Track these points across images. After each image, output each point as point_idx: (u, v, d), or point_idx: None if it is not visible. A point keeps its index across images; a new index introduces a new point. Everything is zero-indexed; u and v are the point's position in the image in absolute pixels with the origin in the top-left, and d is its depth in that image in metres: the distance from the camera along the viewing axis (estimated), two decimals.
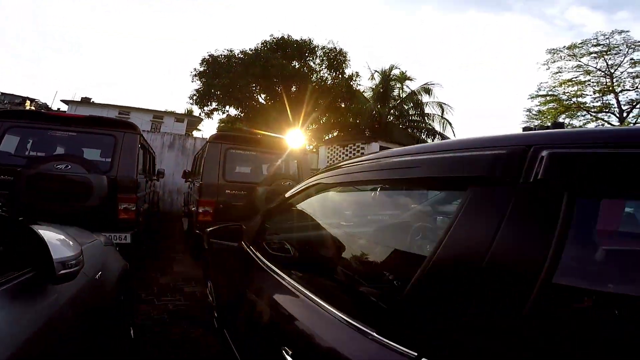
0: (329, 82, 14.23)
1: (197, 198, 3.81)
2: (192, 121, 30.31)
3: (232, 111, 15.85)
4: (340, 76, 14.14)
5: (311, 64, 14.37)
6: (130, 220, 3.49)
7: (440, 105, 15.28)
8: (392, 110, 17.20)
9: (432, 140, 17.11)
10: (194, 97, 15.99)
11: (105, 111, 24.01)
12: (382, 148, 9.28)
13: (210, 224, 3.79)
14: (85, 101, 26.82)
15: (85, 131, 3.55)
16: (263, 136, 4.44)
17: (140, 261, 4.10)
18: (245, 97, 14.26)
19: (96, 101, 27.60)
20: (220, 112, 15.73)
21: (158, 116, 30.68)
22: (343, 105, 14.70)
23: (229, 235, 2.03)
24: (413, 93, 15.67)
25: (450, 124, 16.72)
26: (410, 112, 16.25)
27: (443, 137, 16.94)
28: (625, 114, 28.97)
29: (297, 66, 14.11)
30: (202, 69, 15.14)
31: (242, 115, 15.18)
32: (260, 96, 15.53)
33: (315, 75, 14.36)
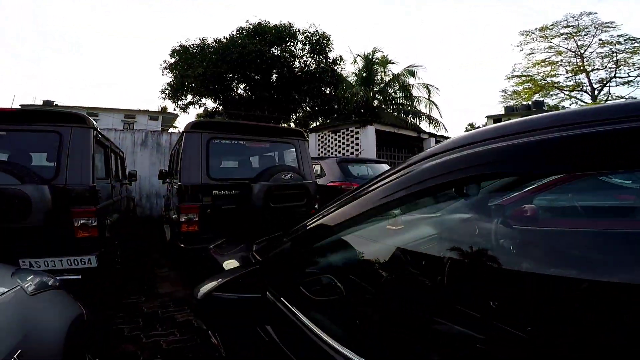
0: (313, 67, 13.33)
1: (177, 204, 3.00)
2: (168, 118, 28.69)
3: (210, 104, 14.74)
4: (324, 61, 13.26)
5: (293, 49, 13.38)
6: (92, 238, 2.66)
7: (427, 87, 14.73)
8: (376, 95, 16.55)
9: (419, 122, 16.65)
10: (166, 91, 14.76)
11: None
12: (378, 131, 8.63)
13: (197, 236, 3.01)
14: (48, 105, 24.63)
15: (18, 129, 2.65)
16: (253, 122, 3.62)
17: (116, 285, 3.28)
18: (222, 88, 13.17)
19: (60, 103, 25.58)
20: (197, 106, 14.57)
21: (130, 115, 29.21)
22: (327, 91, 13.87)
23: (239, 280, 1.24)
24: (398, 75, 15.03)
25: (436, 105, 16.29)
26: (397, 95, 15.63)
27: (430, 118, 16.52)
28: (596, 92, 29.93)
29: (277, 53, 13.09)
30: (172, 61, 13.92)
31: (220, 107, 14.09)
32: (239, 86, 14.45)
33: (297, 61, 13.41)
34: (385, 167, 5.73)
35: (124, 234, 4.36)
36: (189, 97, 14.57)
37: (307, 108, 14.62)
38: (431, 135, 12.22)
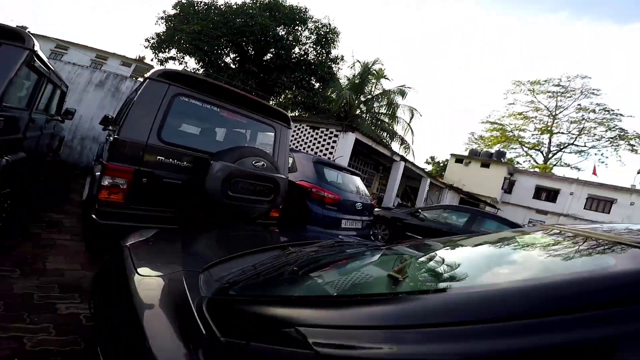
0: (311, 57, 12.62)
1: (105, 160, 2.21)
2: (141, 68, 26.28)
3: (192, 64, 13.45)
4: (325, 55, 12.61)
5: (298, 34, 12.59)
6: None
7: (412, 110, 14.72)
8: (361, 105, 16.28)
9: (390, 141, 16.64)
10: (152, 41, 13.26)
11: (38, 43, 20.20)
12: (357, 141, 8.20)
13: (119, 209, 2.25)
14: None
15: None
16: (235, 89, 2.90)
17: None
18: (211, 51, 12.01)
19: (35, 32, 22.82)
20: (178, 62, 13.20)
21: (102, 56, 27.06)
22: (317, 85, 13.24)
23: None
24: (389, 92, 14.85)
25: (412, 130, 16.42)
26: (381, 110, 15.46)
27: (403, 141, 16.61)
28: (550, 155, 32.42)
29: (281, 33, 12.23)
30: (172, 12, 12.65)
31: (202, 70, 12.89)
32: (229, 55, 13.34)
33: (298, 47, 12.62)
34: (358, 180, 5.27)
35: (34, 177, 3.39)
36: (173, 52, 13.23)
37: (290, 95, 13.87)
38: (402, 158, 12.08)
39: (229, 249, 1.46)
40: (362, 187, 5.34)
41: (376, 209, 7.08)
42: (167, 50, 13.29)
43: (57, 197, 4.17)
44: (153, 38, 13.41)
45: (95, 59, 26.13)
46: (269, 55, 13.13)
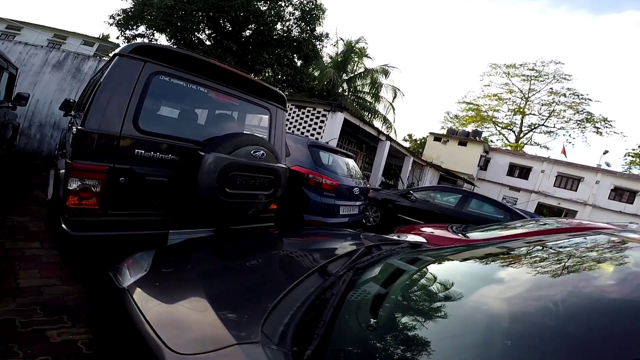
0: (295, 34, 11.77)
1: (69, 159, 1.75)
2: (105, 47, 24.17)
3: (163, 41, 12.31)
4: (310, 32, 11.78)
5: (281, 10, 11.62)
6: None
7: (395, 90, 14.38)
8: (344, 84, 15.75)
9: (372, 120, 16.38)
10: (118, 18, 11.92)
11: None
12: (346, 121, 7.81)
13: (94, 217, 1.81)
14: None
15: None
16: (225, 65, 2.42)
17: None
18: (186, 27, 10.93)
19: None
20: (146, 40, 11.99)
21: (60, 36, 24.75)
22: (299, 64, 12.49)
23: None
24: (372, 71, 14.38)
25: (394, 109, 16.21)
26: (365, 89, 15.01)
27: (386, 120, 16.41)
28: (522, 135, 33.58)
29: (264, 8, 11.24)
30: None
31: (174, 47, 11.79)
32: (205, 31, 12.26)
33: (281, 23, 11.71)
34: (352, 162, 4.97)
35: None
36: (142, 29, 12.00)
37: (271, 73, 13.09)
38: (388, 137, 11.90)
39: (258, 284, 1.09)
40: (357, 169, 5.05)
41: None
42: (134, 27, 12.05)
43: (17, 195, 3.58)
44: (119, 15, 12.10)
45: (53, 39, 23.81)
46: (248, 32, 12.19)
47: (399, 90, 14.39)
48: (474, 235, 3.39)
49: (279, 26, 11.84)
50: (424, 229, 3.74)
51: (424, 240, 3.15)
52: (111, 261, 1.25)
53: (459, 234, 3.43)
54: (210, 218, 2.24)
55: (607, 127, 28.57)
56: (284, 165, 2.52)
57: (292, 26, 11.98)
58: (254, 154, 2.19)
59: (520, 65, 32.40)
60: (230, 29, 11.60)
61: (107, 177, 1.77)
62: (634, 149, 29.78)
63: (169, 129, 2.28)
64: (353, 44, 14.09)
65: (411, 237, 3.28)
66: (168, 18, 10.44)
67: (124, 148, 1.84)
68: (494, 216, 6.02)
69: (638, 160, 29.33)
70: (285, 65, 12.45)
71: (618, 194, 22.17)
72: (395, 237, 2.77)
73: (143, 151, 1.92)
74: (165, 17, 10.44)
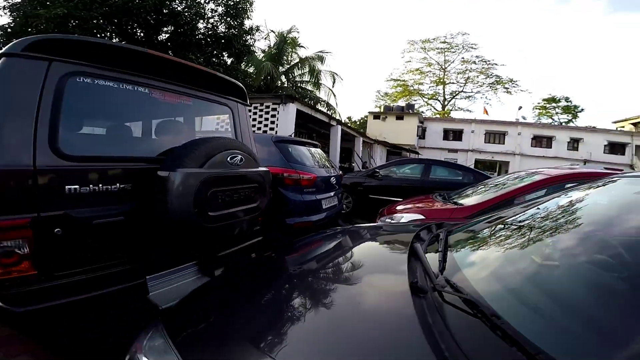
0: (222, 31, 10.72)
1: None
2: None
3: None
4: (239, 27, 10.81)
5: (200, 8, 10.40)
6: None
7: (333, 75, 14.25)
8: (281, 76, 15.17)
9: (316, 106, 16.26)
10: None
11: None
12: (299, 112, 7.37)
13: (40, 286, 1.19)
14: None
15: None
16: (166, 55, 1.83)
17: None
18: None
19: None
20: None
21: None
22: (229, 62, 11.55)
23: None
24: (308, 59, 14.00)
25: (334, 95, 16.23)
26: (304, 78, 14.63)
27: (329, 106, 16.37)
28: (446, 102, 36.70)
29: (180, 9, 9.95)
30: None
31: None
32: (111, 40, 10.61)
33: (203, 22, 10.54)
34: (320, 151, 4.63)
35: None
36: None
37: None
38: (339, 122, 11.82)
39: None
40: (326, 157, 4.74)
41: None
42: None
43: None
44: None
45: None
46: (165, 35, 10.86)
47: (337, 75, 14.34)
48: (463, 201, 3.31)
49: (201, 25, 10.74)
50: (410, 205, 3.58)
51: (423, 217, 2.97)
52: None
53: (448, 204, 3.32)
54: (192, 250, 1.73)
55: (514, 86, 32.66)
56: (265, 169, 2.07)
57: (217, 23, 10.95)
58: (231, 160, 1.71)
59: (434, 39, 35.22)
60: (142, 34, 10.19)
61: (34, 232, 1.17)
62: (539, 103, 34.76)
63: (106, 149, 1.67)
64: (285, 35, 13.53)
65: (407, 217, 3.08)
66: (62, 29, 8.76)
67: (47, 186, 1.24)
68: (457, 179, 6.20)
69: (544, 111, 34.40)
70: (215, 64, 11.45)
71: (538, 141, 25.67)
72: (402, 222, 2.52)
73: (77, 186, 1.32)
74: (59, 28, 8.74)
